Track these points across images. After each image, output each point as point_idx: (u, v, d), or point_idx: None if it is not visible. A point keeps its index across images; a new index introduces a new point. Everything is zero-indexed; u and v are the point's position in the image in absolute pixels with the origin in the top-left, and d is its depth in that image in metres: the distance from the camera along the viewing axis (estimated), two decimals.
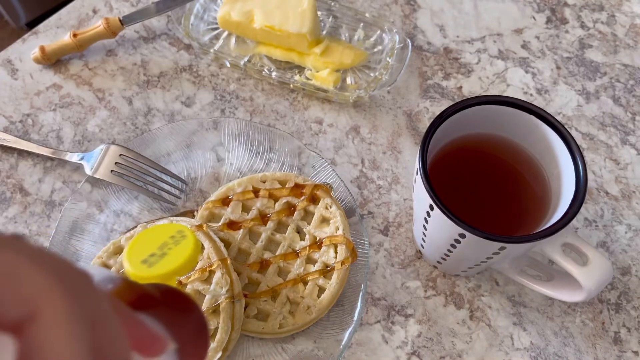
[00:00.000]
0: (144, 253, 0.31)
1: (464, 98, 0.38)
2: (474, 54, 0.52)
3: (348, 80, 0.49)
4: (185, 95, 0.49)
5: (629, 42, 0.52)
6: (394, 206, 0.44)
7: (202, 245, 0.39)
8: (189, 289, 0.38)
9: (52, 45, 0.49)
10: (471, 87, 0.50)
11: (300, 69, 0.50)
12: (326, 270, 0.40)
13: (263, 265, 0.40)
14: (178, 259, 0.30)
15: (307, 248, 0.40)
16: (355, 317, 0.38)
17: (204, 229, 0.39)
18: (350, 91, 0.47)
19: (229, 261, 0.38)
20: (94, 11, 0.53)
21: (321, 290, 0.39)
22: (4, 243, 0.14)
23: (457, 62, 0.51)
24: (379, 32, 0.50)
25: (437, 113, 0.34)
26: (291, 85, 0.48)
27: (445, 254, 0.36)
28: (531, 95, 0.50)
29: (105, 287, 0.20)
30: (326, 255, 0.40)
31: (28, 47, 0.51)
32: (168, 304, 0.22)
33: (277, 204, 0.42)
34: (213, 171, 0.45)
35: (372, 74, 0.49)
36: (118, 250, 0.40)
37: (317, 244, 0.40)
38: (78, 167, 0.45)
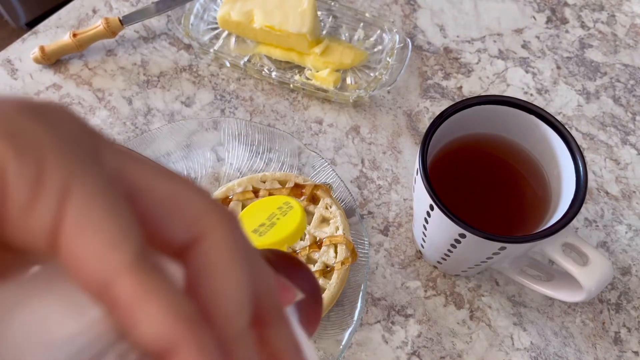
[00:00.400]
0: (254, 223, 0.32)
1: (464, 98, 0.38)
2: (474, 53, 0.51)
3: (348, 80, 0.49)
4: (185, 95, 0.49)
5: (629, 42, 0.52)
6: (394, 206, 0.44)
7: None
8: None
9: (52, 45, 0.49)
10: (471, 87, 0.50)
11: (300, 68, 0.49)
12: (326, 271, 0.40)
13: None
14: (287, 227, 0.31)
15: (307, 248, 0.40)
16: (355, 317, 0.38)
17: None
18: (350, 91, 0.47)
19: None
20: (94, 11, 0.53)
21: (321, 290, 0.39)
22: (162, 172, 0.14)
23: (457, 62, 0.51)
24: (379, 32, 0.50)
25: (437, 113, 0.34)
26: (291, 85, 0.48)
27: (446, 254, 0.36)
28: (531, 95, 0.49)
29: None
30: (326, 255, 0.40)
31: (28, 47, 0.51)
32: (284, 267, 0.23)
33: None
34: (213, 171, 0.45)
35: (372, 74, 0.49)
36: None
37: (317, 244, 0.40)
38: None
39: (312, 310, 0.22)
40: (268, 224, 0.32)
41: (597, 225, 0.44)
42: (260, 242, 0.31)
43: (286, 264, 0.23)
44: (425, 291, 0.41)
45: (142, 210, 0.13)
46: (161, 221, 0.13)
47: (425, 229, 0.36)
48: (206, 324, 0.12)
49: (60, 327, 0.12)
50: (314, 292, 0.23)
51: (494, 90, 0.50)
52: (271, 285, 0.15)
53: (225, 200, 0.42)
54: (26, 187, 0.11)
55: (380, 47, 0.50)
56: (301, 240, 0.41)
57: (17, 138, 0.11)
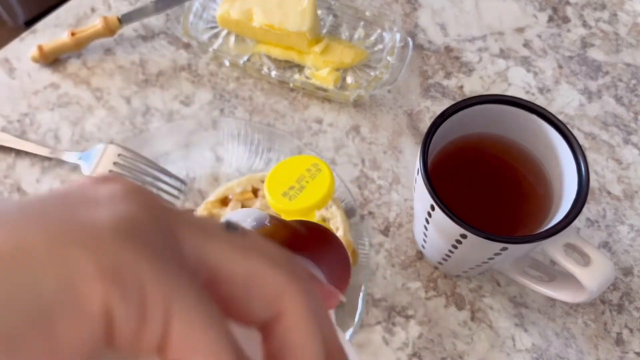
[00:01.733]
0: (283, 186, 0.32)
1: (465, 97, 0.38)
2: (475, 52, 0.51)
3: (348, 80, 0.48)
4: (184, 95, 0.49)
5: (631, 41, 0.52)
6: (394, 206, 0.44)
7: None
8: None
9: (50, 44, 0.49)
10: (472, 87, 0.49)
11: (300, 68, 0.49)
12: None
13: None
14: (317, 193, 0.32)
15: None
16: (356, 319, 0.38)
17: None
18: (350, 90, 0.47)
19: None
20: (92, 10, 0.53)
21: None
22: (238, 247, 0.15)
23: (458, 61, 0.51)
24: (379, 30, 0.50)
25: (438, 112, 0.34)
26: (291, 85, 0.48)
27: (447, 255, 0.36)
28: (533, 94, 0.49)
29: (262, 225, 0.22)
30: None
31: (26, 46, 0.50)
32: (315, 241, 0.23)
33: None
34: (212, 171, 0.45)
35: (372, 73, 0.48)
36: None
37: None
38: (76, 167, 0.45)
39: (340, 284, 0.23)
40: (297, 187, 0.32)
41: (599, 226, 0.43)
42: (290, 206, 0.32)
43: (318, 236, 0.24)
44: (426, 292, 0.41)
45: (225, 294, 0.14)
46: (243, 302, 0.15)
47: (426, 229, 0.36)
48: None
49: None
50: (344, 263, 0.24)
51: (495, 90, 0.49)
52: (340, 344, 0.16)
53: (225, 200, 0.42)
54: (133, 323, 0.13)
55: (380, 46, 0.50)
56: None
57: (118, 275, 0.12)
